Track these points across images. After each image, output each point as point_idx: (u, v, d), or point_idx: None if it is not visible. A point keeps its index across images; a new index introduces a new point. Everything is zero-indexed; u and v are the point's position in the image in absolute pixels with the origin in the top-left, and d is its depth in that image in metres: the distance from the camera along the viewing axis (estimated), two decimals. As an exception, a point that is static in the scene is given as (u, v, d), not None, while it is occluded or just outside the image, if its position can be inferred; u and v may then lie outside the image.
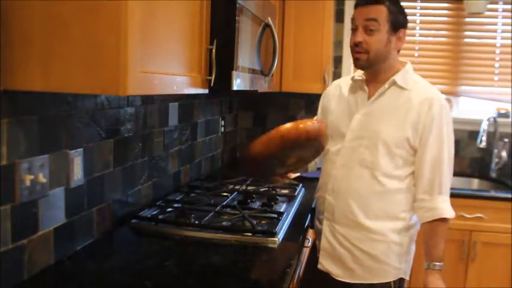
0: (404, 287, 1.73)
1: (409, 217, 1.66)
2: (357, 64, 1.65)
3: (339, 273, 1.71)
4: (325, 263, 1.75)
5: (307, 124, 1.40)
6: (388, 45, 1.60)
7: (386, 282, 1.67)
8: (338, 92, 1.80)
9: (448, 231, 1.64)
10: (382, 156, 1.61)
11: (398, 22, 1.60)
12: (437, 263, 1.62)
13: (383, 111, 1.64)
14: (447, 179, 1.62)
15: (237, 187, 2.25)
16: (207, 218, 1.77)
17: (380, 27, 1.57)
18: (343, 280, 1.70)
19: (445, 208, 1.60)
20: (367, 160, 1.63)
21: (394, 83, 1.64)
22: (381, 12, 1.57)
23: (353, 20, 1.62)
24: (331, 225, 1.73)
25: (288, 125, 1.40)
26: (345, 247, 1.69)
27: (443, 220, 1.60)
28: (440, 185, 1.60)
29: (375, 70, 1.65)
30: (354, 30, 1.62)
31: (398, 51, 1.67)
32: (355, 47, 1.61)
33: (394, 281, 1.67)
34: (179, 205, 1.92)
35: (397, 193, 1.64)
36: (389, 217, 1.64)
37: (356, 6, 1.62)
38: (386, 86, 1.64)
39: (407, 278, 1.72)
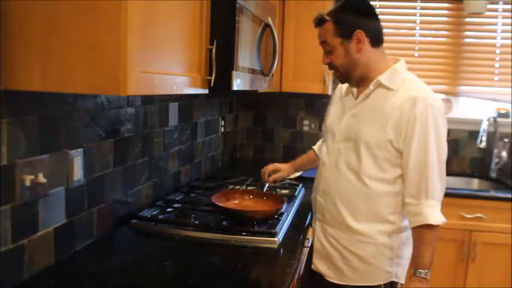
0: None
1: (400, 220, 1.62)
2: (339, 81, 1.71)
3: (330, 274, 1.70)
4: (317, 264, 1.74)
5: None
6: (348, 54, 1.58)
7: (376, 285, 1.64)
8: (339, 93, 1.80)
9: (436, 238, 1.54)
10: (365, 159, 1.58)
11: (349, 28, 1.55)
12: (422, 271, 1.53)
13: (367, 112, 1.61)
14: (436, 183, 1.53)
15: (237, 187, 2.25)
16: (207, 218, 1.77)
17: (332, 45, 1.59)
18: (334, 281, 1.68)
19: (431, 214, 1.51)
20: (353, 162, 1.61)
21: (380, 84, 1.59)
22: (327, 30, 1.59)
23: None
24: (323, 226, 1.72)
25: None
26: (335, 248, 1.67)
27: (430, 227, 1.51)
28: (427, 189, 1.52)
29: (356, 78, 1.64)
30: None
31: (378, 45, 1.60)
32: (328, 67, 1.68)
33: (384, 284, 1.64)
34: (179, 205, 1.92)
35: (384, 196, 1.59)
36: (378, 219, 1.61)
37: None
38: (371, 87, 1.60)
39: (401, 281, 1.67)
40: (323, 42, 1.62)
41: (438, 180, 1.53)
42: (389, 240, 1.61)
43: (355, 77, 1.63)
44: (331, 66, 1.65)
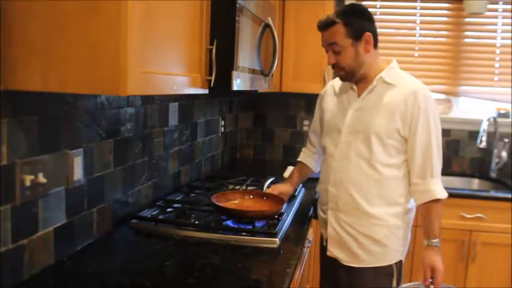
0: (402, 268, 1.84)
1: (406, 201, 1.77)
2: (342, 79, 1.82)
3: (345, 259, 1.81)
4: (333, 250, 1.84)
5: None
6: (357, 55, 1.71)
7: (389, 265, 1.77)
8: (332, 91, 1.93)
9: (442, 211, 1.74)
10: (376, 147, 1.72)
11: (359, 30, 1.68)
12: (434, 240, 1.72)
13: (373, 106, 1.75)
14: (437, 163, 1.73)
15: (237, 187, 2.25)
16: (207, 218, 1.77)
17: (342, 46, 1.69)
18: (350, 265, 1.80)
19: (438, 190, 1.72)
20: (363, 151, 1.74)
21: (382, 80, 1.75)
22: (337, 32, 1.68)
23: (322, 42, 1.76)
24: (336, 214, 1.81)
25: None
26: (350, 234, 1.78)
27: (437, 201, 1.72)
28: (431, 169, 1.72)
29: (359, 76, 1.76)
30: (326, 51, 1.75)
31: (376, 47, 1.73)
32: (332, 67, 1.77)
33: (395, 263, 1.78)
34: (179, 205, 1.92)
35: (393, 180, 1.74)
36: (388, 203, 1.75)
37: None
38: (374, 83, 1.75)
39: (403, 259, 1.84)
40: (331, 44, 1.70)
41: (438, 160, 1.74)
42: (399, 222, 1.77)
43: (358, 76, 1.75)
44: (336, 66, 1.74)
